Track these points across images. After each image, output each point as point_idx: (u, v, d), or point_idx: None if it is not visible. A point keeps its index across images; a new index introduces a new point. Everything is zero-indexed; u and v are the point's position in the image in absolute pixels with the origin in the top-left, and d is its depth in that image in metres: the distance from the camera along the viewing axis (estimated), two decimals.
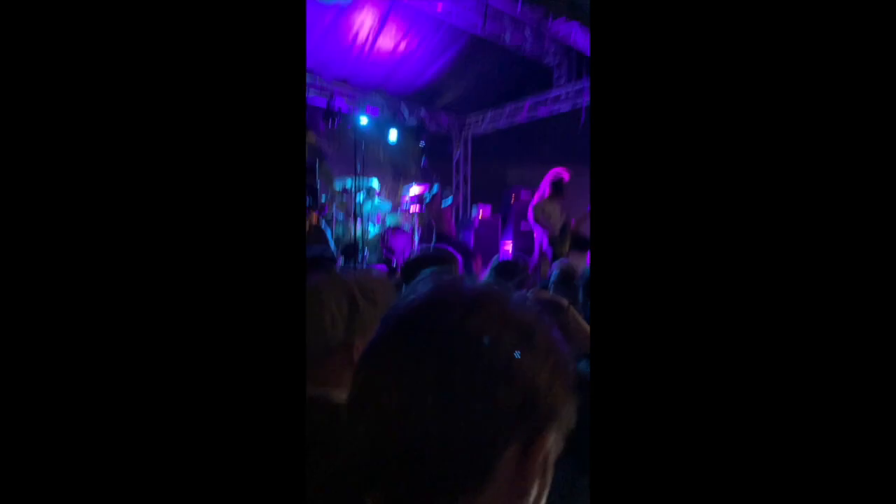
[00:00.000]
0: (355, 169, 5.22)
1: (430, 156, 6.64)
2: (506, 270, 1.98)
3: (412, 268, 1.82)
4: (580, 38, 5.32)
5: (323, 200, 4.84)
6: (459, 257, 1.86)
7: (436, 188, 5.93)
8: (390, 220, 5.29)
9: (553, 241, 5.24)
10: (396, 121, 7.12)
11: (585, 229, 5.22)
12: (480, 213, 6.61)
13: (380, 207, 5.35)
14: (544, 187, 5.42)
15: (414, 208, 5.56)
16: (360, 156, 5.16)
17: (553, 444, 0.39)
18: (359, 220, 4.91)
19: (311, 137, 4.99)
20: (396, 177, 7.07)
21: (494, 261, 2.24)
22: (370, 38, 5.75)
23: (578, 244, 5.27)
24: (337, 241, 4.81)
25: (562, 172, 5.53)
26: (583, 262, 4.21)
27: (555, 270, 2.25)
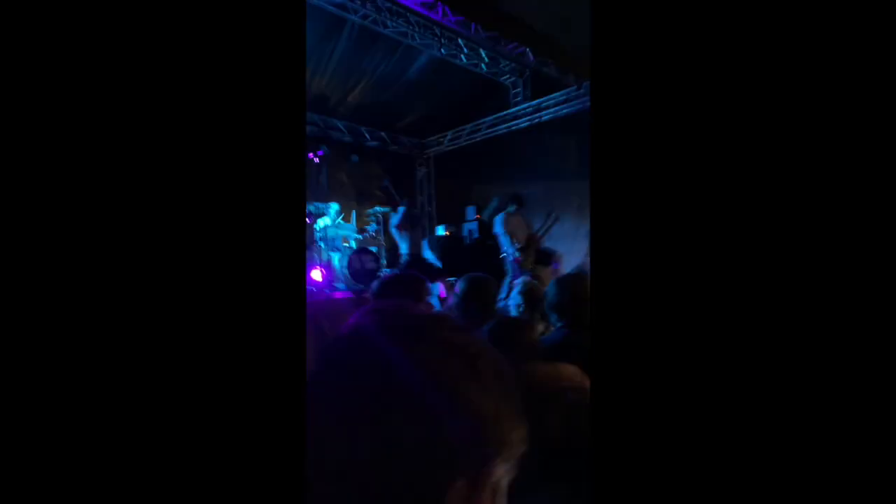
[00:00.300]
0: (317, 194, 5.14)
1: (393, 177, 6.64)
2: (478, 290, 1.96)
3: (380, 293, 1.79)
4: (531, 56, 5.47)
5: None
6: (427, 280, 1.84)
7: (401, 210, 5.90)
8: (354, 244, 5.22)
9: (519, 256, 5.30)
10: (356, 144, 7.09)
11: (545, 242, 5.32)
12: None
13: (342, 232, 5.28)
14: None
15: (378, 231, 5.52)
16: (321, 180, 5.09)
17: (504, 473, 0.39)
18: (322, 245, 4.82)
19: None
20: (360, 200, 7.02)
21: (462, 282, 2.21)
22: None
23: (542, 258, 5.36)
24: None
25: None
26: (549, 276, 4.25)
27: (516, 287, 2.24)
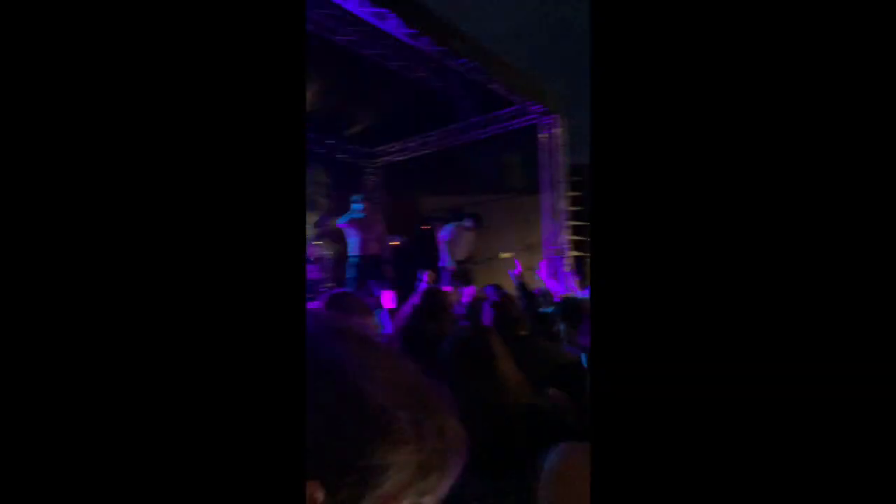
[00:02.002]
0: None
1: (341, 187, 6.52)
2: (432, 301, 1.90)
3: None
4: (480, 72, 5.60)
5: None
6: (372, 300, 1.80)
7: (354, 208, 5.60)
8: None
9: (457, 270, 5.31)
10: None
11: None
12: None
13: None
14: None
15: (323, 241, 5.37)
16: None
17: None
18: None
19: None
20: (308, 208, 6.85)
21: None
22: None
23: (461, 281, 5.26)
24: None
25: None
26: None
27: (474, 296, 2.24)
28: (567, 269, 6.47)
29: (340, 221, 5.44)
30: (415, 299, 1.82)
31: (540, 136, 6.72)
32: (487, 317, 1.80)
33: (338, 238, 5.77)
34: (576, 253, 6.64)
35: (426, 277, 4.51)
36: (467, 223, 5.66)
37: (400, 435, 0.35)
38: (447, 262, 5.36)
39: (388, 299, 3.50)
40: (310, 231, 5.82)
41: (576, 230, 6.68)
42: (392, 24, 4.71)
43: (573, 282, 5.51)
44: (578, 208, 6.75)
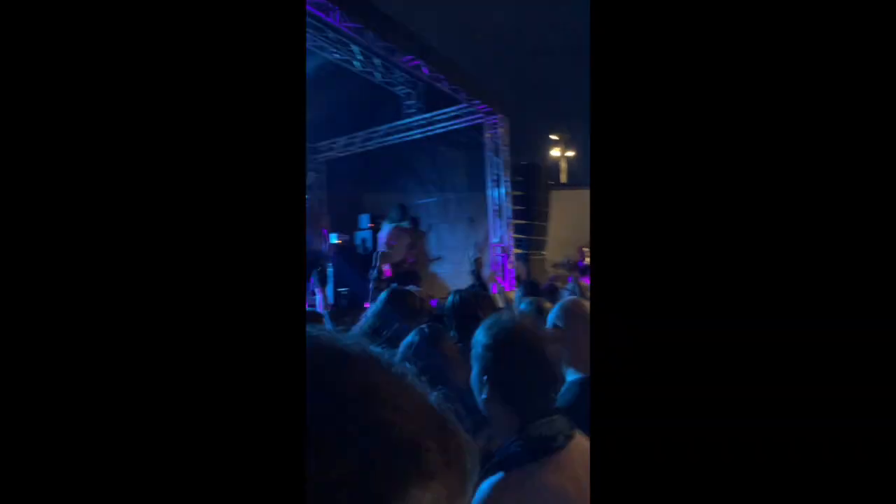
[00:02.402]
0: None
1: None
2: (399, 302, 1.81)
3: None
4: (426, 70, 5.60)
5: None
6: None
7: None
8: None
9: (396, 270, 5.21)
10: None
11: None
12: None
13: None
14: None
15: None
16: None
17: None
18: None
19: None
20: None
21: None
22: None
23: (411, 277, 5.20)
24: None
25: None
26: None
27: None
28: (511, 266, 6.63)
29: None
30: (379, 301, 1.75)
31: (485, 135, 6.82)
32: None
33: None
34: (518, 251, 6.82)
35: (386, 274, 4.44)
36: (405, 223, 5.58)
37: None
38: (378, 262, 5.24)
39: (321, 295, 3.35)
40: None
41: (518, 229, 6.85)
42: (336, 18, 4.60)
43: (513, 279, 5.64)
44: (521, 207, 6.93)
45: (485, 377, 0.94)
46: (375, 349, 0.39)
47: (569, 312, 1.55)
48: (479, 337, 0.98)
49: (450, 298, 1.81)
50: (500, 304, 2.79)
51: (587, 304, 1.57)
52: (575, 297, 1.82)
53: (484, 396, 0.95)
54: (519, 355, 0.93)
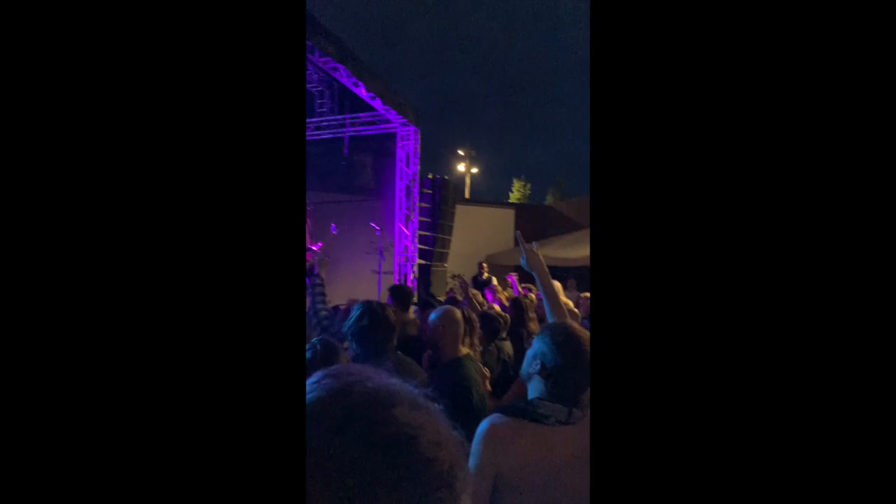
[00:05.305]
0: None
1: None
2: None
3: None
4: (343, 73, 5.53)
5: None
6: None
7: None
8: None
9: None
10: None
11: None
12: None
13: None
14: None
15: None
16: None
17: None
18: None
19: None
20: None
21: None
22: None
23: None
24: None
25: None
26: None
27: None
28: (413, 276, 6.73)
29: None
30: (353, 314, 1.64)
31: (397, 145, 6.89)
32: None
33: None
34: (422, 262, 6.95)
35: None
36: None
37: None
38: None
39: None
40: None
41: (422, 240, 6.99)
42: None
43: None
44: (427, 219, 7.07)
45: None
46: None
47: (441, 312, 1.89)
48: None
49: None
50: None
51: (458, 312, 1.88)
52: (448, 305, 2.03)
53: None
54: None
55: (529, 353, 1.11)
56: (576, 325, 1.12)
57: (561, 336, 1.06)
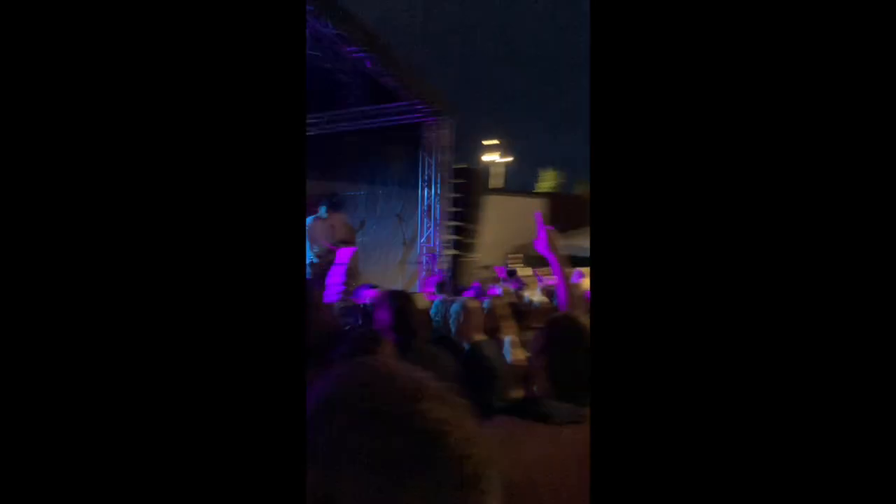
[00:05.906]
0: None
1: None
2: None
3: None
4: (372, 63, 5.52)
5: None
6: None
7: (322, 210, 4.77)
8: None
9: (317, 262, 4.85)
10: None
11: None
12: None
13: None
14: None
15: None
16: None
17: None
18: None
19: None
20: None
21: None
22: None
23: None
24: None
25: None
26: None
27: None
28: (439, 266, 6.73)
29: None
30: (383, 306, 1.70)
31: (426, 135, 6.87)
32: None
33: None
34: (452, 252, 6.93)
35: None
36: (321, 212, 4.86)
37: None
38: (309, 255, 4.83)
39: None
40: None
41: (450, 230, 6.96)
42: None
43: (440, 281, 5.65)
44: (458, 209, 7.04)
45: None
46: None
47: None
48: None
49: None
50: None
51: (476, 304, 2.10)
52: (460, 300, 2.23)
53: None
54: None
55: (533, 348, 1.09)
56: (580, 318, 1.09)
57: (560, 330, 1.03)
